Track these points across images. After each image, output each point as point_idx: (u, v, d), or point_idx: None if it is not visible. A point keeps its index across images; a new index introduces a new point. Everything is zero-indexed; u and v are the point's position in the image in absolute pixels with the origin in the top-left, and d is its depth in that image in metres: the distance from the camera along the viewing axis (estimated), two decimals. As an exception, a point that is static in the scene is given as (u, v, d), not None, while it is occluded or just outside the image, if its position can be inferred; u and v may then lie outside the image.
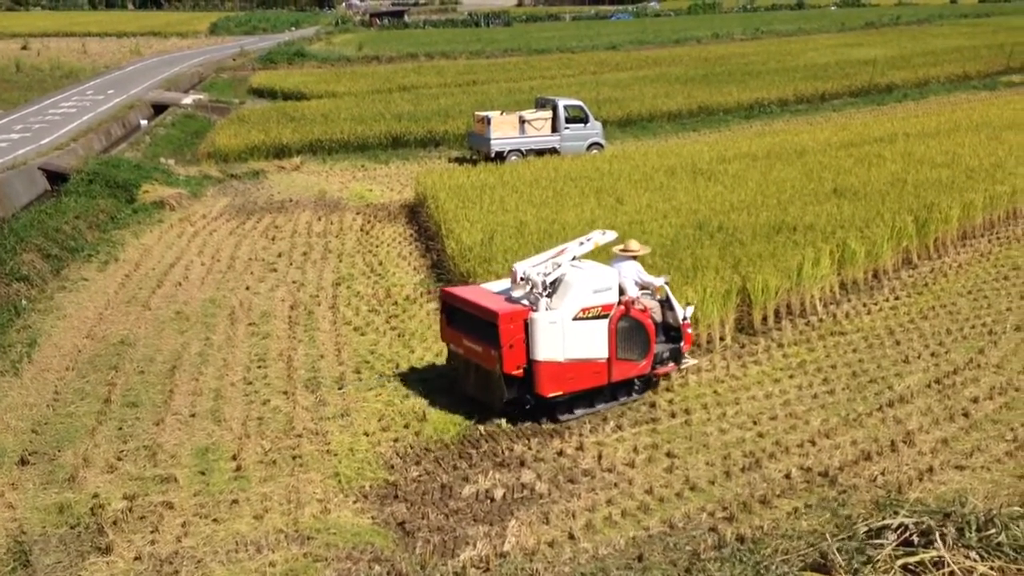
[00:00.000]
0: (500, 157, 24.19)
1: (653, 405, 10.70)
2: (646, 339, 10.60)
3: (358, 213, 20.31)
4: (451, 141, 28.17)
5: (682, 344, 11.12)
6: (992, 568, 3.07)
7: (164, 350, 12.59)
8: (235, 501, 8.62)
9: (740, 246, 14.04)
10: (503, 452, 9.65)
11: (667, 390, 11.09)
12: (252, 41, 66.25)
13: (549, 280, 10.08)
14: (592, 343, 10.18)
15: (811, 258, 13.56)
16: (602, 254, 11.30)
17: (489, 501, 8.70)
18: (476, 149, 25.61)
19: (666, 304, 11.13)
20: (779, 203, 16.67)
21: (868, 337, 12.66)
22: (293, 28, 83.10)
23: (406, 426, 10.22)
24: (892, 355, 12.00)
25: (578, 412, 10.45)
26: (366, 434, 10.01)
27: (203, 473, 9.20)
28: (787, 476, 8.98)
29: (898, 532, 3.32)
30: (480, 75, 42.57)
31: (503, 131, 24.62)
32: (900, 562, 3.06)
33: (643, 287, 11.00)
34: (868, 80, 38.62)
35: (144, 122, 31.98)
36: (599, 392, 10.54)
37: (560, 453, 9.63)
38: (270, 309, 14.17)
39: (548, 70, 44.40)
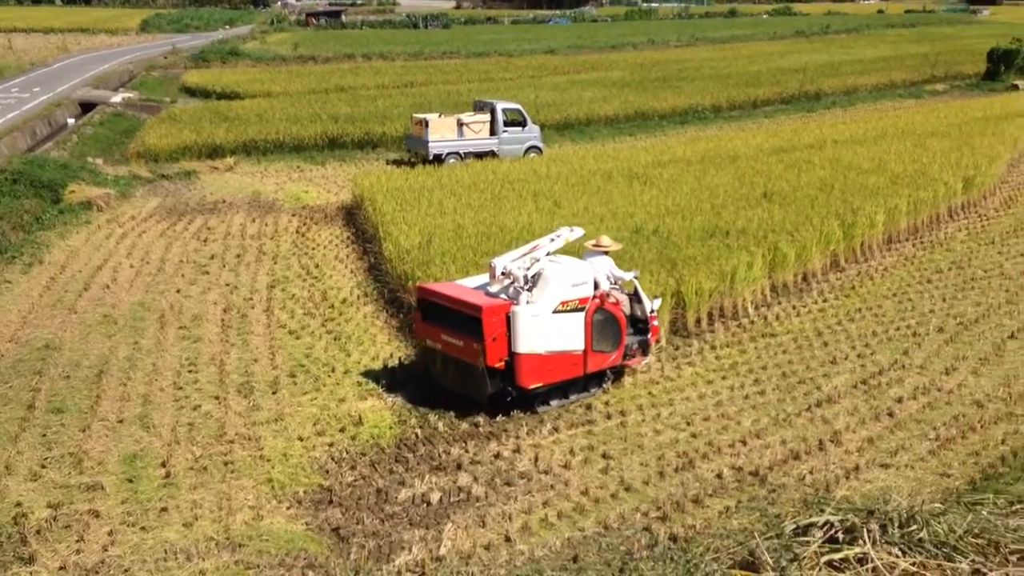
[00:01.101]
0: (438, 160, 24.13)
1: (589, 407, 10.78)
2: (618, 331, 10.95)
3: (294, 215, 20.06)
4: (389, 143, 27.99)
5: (650, 336, 11.51)
6: (913, 564, 3.17)
7: (91, 355, 12.25)
8: (164, 509, 8.43)
9: (675, 249, 14.24)
10: (440, 455, 9.62)
11: (603, 391, 11.18)
12: (184, 39, 64.90)
13: (530, 274, 10.33)
14: (570, 335, 10.45)
15: (744, 261, 13.82)
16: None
17: (425, 505, 8.67)
18: (414, 151, 25.51)
19: (634, 297, 11.46)
20: (713, 207, 16.95)
21: (797, 339, 12.95)
22: (227, 26, 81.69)
23: (342, 430, 10.12)
24: (820, 356, 12.30)
25: (553, 403, 10.73)
26: (300, 439, 9.89)
27: (131, 480, 8.98)
28: (719, 476, 9.14)
29: (824, 530, 3.40)
30: (418, 77, 42.41)
31: (441, 133, 24.57)
32: (825, 559, 3.14)
33: (614, 281, 11.26)
34: (798, 87, 39.55)
35: (71, 121, 31.10)
36: (573, 383, 10.82)
37: (497, 456, 9.64)
38: (202, 312, 13.90)
39: (487, 73, 44.45)
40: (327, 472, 9.26)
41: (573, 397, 10.90)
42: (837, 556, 3.14)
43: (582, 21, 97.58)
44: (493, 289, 10.53)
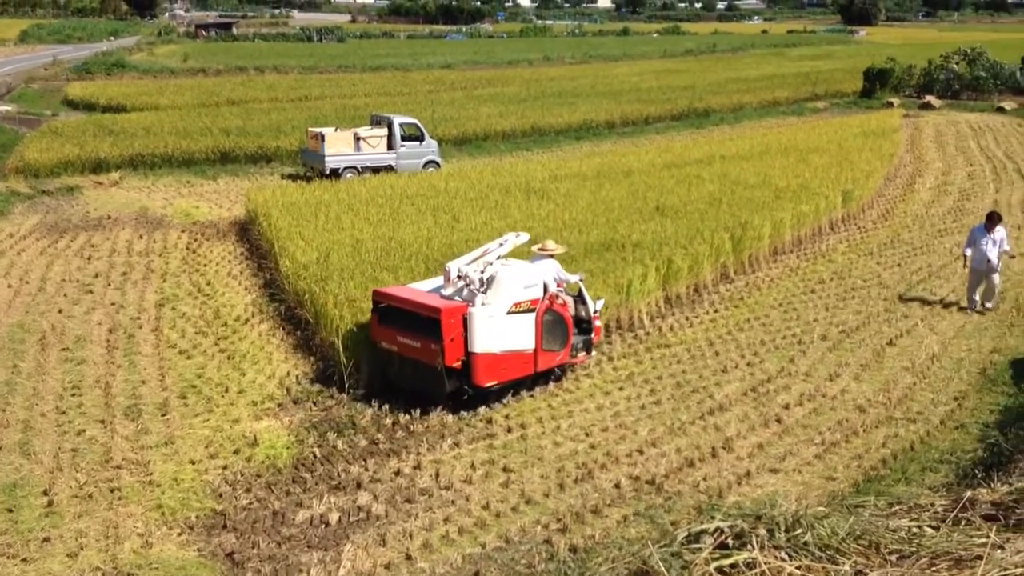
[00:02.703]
0: (335, 174, 23.85)
1: (490, 421, 10.80)
2: (565, 331, 11.46)
3: (184, 231, 19.48)
4: (283, 157, 27.51)
5: (593, 335, 12.07)
6: (799, 567, 3.28)
7: (-36, 380, 11.60)
8: (47, 539, 8.04)
9: (572, 263, 14.42)
10: (339, 474, 9.48)
11: (504, 405, 11.23)
12: (66, 50, 62.37)
13: (485, 277, 10.72)
14: (522, 335, 10.93)
15: (639, 274, 14.11)
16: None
17: (324, 526, 8.52)
18: (310, 166, 25.15)
19: (579, 299, 12.00)
20: (608, 221, 17.26)
21: (691, 349, 13.29)
22: (112, 38, 78.94)
23: (236, 452, 9.86)
24: (712, 365, 12.65)
25: (504, 400, 11.20)
26: (192, 462, 9.58)
27: (10, 510, 8.53)
28: (617, 485, 9.28)
29: (715, 536, 3.49)
30: (313, 90, 41.87)
31: (338, 148, 24.30)
32: (715, 565, 3.22)
33: (559, 283, 11.66)
34: (688, 105, 40.71)
35: (-59, 132, 29.45)
36: (522, 382, 11.32)
37: (397, 473, 9.56)
38: (86, 333, 13.33)
39: (383, 87, 44.26)
40: (220, 496, 9.00)
41: (524, 395, 11.39)
42: (727, 562, 3.23)
43: (478, 37, 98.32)
44: (447, 292, 10.93)
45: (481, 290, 10.68)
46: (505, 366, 10.85)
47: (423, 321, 10.62)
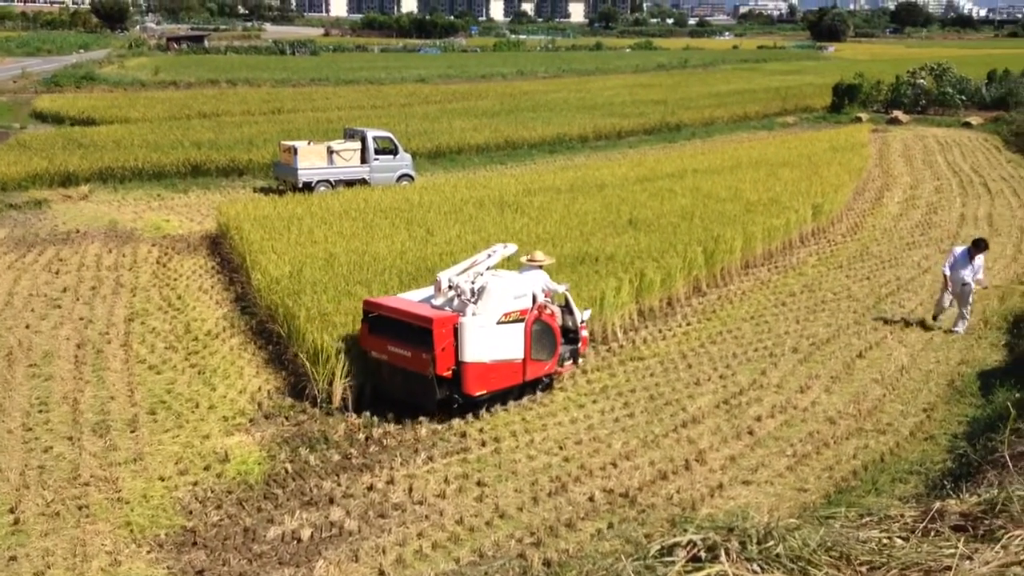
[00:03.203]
0: (308, 188, 23.76)
1: (464, 435, 10.77)
2: (553, 341, 11.65)
3: (154, 245, 19.30)
4: (256, 170, 27.36)
5: (579, 345, 12.28)
6: (770, 579, 3.29)
7: (-72, 396, 11.39)
8: (13, 558, 7.90)
9: (547, 275, 14.43)
10: (311, 490, 9.40)
11: (478, 419, 11.20)
12: (35, 63, 61.78)
13: (476, 287, 10.91)
14: (512, 345, 11.08)
15: (612, 287, 14.16)
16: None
17: (296, 542, 8.43)
18: (283, 179, 25.03)
19: (566, 308, 12.21)
20: (582, 235, 17.32)
21: (664, 361, 13.35)
22: (81, 50, 78.28)
23: (206, 468, 9.75)
24: (685, 378, 12.71)
25: (521, 401, 11.44)
26: (161, 479, 9.46)
27: (-26, 531, 8.38)
28: (591, 499, 9.28)
29: (687, 549, 3.49)
30: (286, 103, 41.76)
31: (311, 161, 24.22)
32: (687, 578, 3.23)
33: (547, 293, 11.84)
34: (660, 119, 41.05)
35: (-94, 145, 29.02)
36: (511, 391, 11.46)
37: (370, 488, 9.49)
38: (53, 349, 13.15)
39: (357, 101, 44.22)
40: (191, 513, 8.89)
41: (512, 403, 11.50)
42: (699, 575, 3.24)
43: (452, 51, 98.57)
44: (437, 302, 11.10)
45: (472, 300, 10.85)
46: (495, 375, 11.02)
47: (414, 331, 10.77)
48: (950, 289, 14.97)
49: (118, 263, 17.86)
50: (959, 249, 15.32)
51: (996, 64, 60.48)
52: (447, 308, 11.02)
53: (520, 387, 11.53)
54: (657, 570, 3.33)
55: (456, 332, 10.67)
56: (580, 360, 12.49)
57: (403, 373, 11.06)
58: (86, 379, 12.09)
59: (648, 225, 18.15)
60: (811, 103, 50.05)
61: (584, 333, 12.50)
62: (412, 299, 11.54)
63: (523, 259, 12.44)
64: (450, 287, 10.98)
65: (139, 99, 41.95)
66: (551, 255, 13.13)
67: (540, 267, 12.10)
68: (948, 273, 15.00)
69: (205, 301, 15.64)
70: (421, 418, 11.09)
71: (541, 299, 11.53)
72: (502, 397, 11.42)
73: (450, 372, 10.74)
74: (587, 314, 12.56)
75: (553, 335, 11.63)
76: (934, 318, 15.22)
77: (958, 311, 14.96)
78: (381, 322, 11.24)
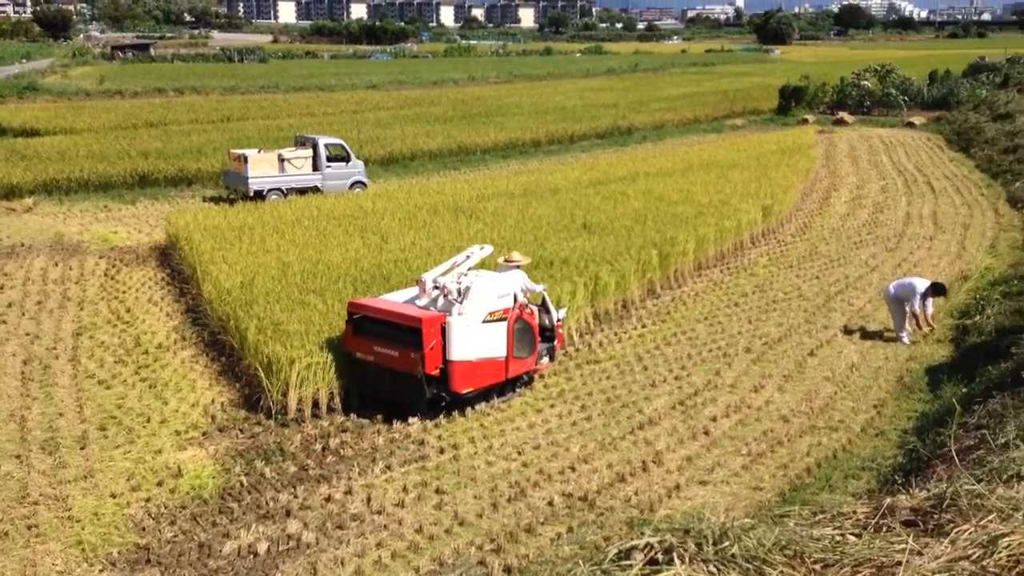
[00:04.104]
0: (259, 196, 23.50)
1: (422, 443, 10.72)
2: (533, 339, 11.99)
3: (101, 257, 18.93)
4: (205, 180, 27.00)
5: (555, 343, 12.65)
6: (726, 580, 3.32)
7: None
8: (-42, 583, 7.69)
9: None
10: (267, 503, 9.28)
11: (436, 426, 11.17)
12: (-26, 72, 60.28)
13: (462, 287, 11.17)
14: (495, 343, 11.38)
15: (568, 291, 14.21)
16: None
17: (252, 556, 8.32)
18: (233, 188, 24.72)
19: (542, 308, 12.51)
20: (536, 239, 17.37)
21: (620, 364, 13.42)
22: (23, 60, 76.52)
23: (159, 484, 9.58)
24: (641, 380, 12.80)
25: (478, 407, 11.57)
26: (113, 496, 9.27)
27: (-82, 555, 8.13)
28: (550, 503, 9.29)
29: (645, 552, 3.52)
30: (235, 112, 41.24)
31: (261, 169, 23.96)
32: (645, 581, 3.25)
33: (525, 293, 12.09)
34: (612, 123, 41.34)
35: None
36: (492, 388, 11.73)
37: (328, 499, 9.41)
38: (-1, 365, 12.84)
39: (307, 108, 43.84)
40: (144, 529, 8.72)
41: (494, 400, 11.78)
42: (657, 578, 3.27)
43: (403, 57, 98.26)
44: (421, 303, 11.37)
45: (459, 300, 11.12)
46: (480, 373, 11.31)
47: (402, 331, 11.00)
48: (890, 308, 14.83)
49: (65, 276, 17.49)
50: (923, 290, 14.52)
51: (937, 64, 61.97)
52: (432, 308, 11.27)
53: (501, 385, 11.80)
54: (615, 574, 3.34)
55: (443, 331, 10.92)
56: (555, 358, 12.82)
57: (391, 373, 11.20)
58: (33, 396, 11.81)
59: (602, 228, 18.26)
60: (759, 106, 50.76)
61: (560, 331, 12.91)
62: (396, 300, 11.79)
63: (500, 260, 12.71)
64: (435, 287, 11.25)
65: (84, 109, 41.13)
66: (527, 256, 13.43)
67: (518, 267, 12.36)
68: (892, 294, 14.71)
69: (155, 313, 15.38)
70: (379, 427, 11.04)
71: (521, 298, 11.84)
72: (485, 395, 11.68)
73: (438, 371, 10.98)
74: (563, 312, 12.97)
75: (533, 333, 11.97)
76: (906, 341, 14.54)
77: (896, 322, 14.74)
78: (365, 323, 11.40)
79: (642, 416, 11.52)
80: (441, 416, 11.29)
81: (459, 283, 11.26)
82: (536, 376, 12.85)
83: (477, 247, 12.43)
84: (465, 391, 11.26)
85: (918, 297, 14.44)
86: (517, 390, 12.19)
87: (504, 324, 11.44)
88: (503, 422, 11.37)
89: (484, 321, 11.23)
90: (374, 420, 11.27)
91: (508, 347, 11.50)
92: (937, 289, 14.79)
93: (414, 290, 11.80)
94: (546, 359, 12.53)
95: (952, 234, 22.09)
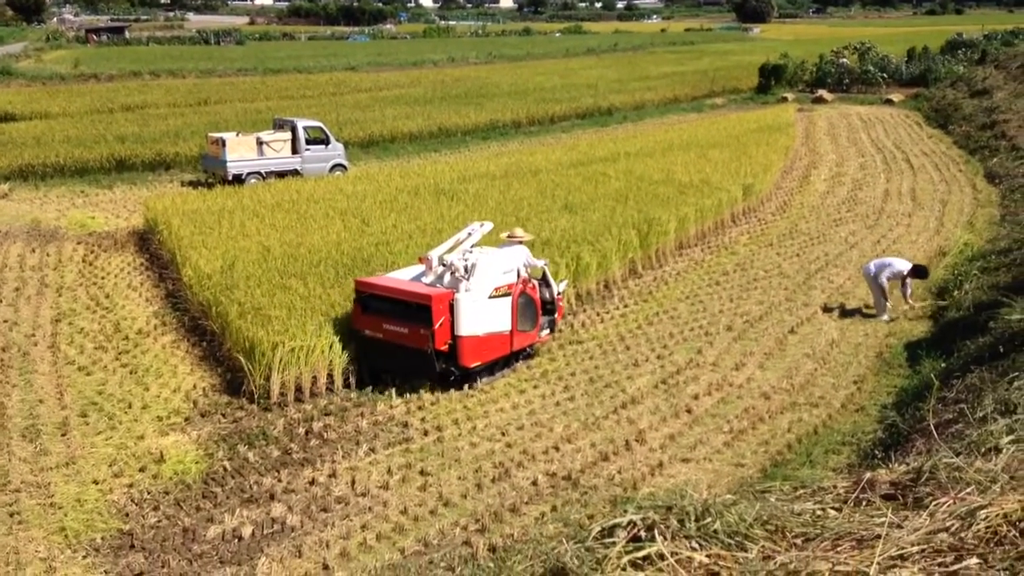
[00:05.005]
0: (238, 180, 23.31)
1: (406, 425, 10.73)
2: (535, 312, 12.34)
3: (79, 243, 18.75)
4: (183, 164, 26.74)
5: (556, 316, 13.03)
6: (709, 556, 3.35)
7: None
8: (-60, 573, 7.65)
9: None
10: (251, 487, 9.28)
11: (419, 408, 11.18)
12: (-55, 56, 59.25)
13: (468, 264, 11.43)
14: (501, 318, 11.70)
15: (550, 272, 14.19)
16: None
17: (237, 540, 8.32)
18: (211, 172, 24.50)
19: (543, 282, 12.83)
20: (518, 220, 17.29)
21: (602, 344, 13.47)
22: (-5, 43, 75.31)
23: (142, 470, 9.55)
24: (624, 360, 12.85)
25: (484, 380, 11.87)
26: (95, 482, 9.24)
27: (-102, 545, 8.07)
28: (534, 483, 9.34)
29: (628, 529, 3.54)
30: (212, 95, 40.78)
31: (240, 153, 23.76)
32: (628, 558, 3.27)
33: (527, 268, 12.38)
34: (592, 103, 41.23)
35: None
36: (498, 361, 12.04)
37: (312, 482, 9.41)
38: (-23, 353, 12.71)
39: (285, 90, 43.43)
40: (127, 515, 8.70)
41: (497, 373, 12.11)
42: (639, 555, 3.29)
43: (381, 38, 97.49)
44: (427, 280, 11.66)
45: (465, 277, 11.37)
46: (487, 347, 11.63)
47: (411, 308, 11.25)
48: (870, 286, 14.93)
49: (42, 263, 17.32)
50: (905, 273, 14.74)
51: (915, 42, 62.04)
52: (438, 285, 11.54)
53: (506, 358, 12.09)
54: (598, 552, 3.36)
55: (452, 308, 11.21)
56: (556, 330, 13.22)
57: (400, 349, 11.40)
58: (13, 383, 11.73)
59: (583, 209, 18.26)
60: (739, 84, 50.73)
61: (561, 304, 13.30)
62: (402, 278, 11.99)
63: (503, 236, 13.03)
64: (442, 265, 11.52)
65: (59, 93, 40.56)
66: (528, 232, 13.74)
67: (520, 243, 12.65)
68: (872, 273, 14.78)
69: (135, 299, 15.27)
70: (362, 409, 11.04)
71: (524, 273, 12.14)
72: (490, 368, 11.95)
73: (447, 346, 11.27)
74: (563, 285, 13.41)
75: (535, 307, 12.31)
76: (887, 319, 14.64)
77: (877, 300, 14.87)
78: (373, 301, 11.61)
79: (625, 395, 11.58)
80: (423, 396, 11.30)
81: (465, 260, 11.52)
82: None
83: (477, 224, 12.70)
84: (473, 365, 11.54)
85: (887, 273, 14.54)
86: (520, 362, 12.51)
87: (509, 299, 11.75)
88: (487, 403, 11.40)
89: (490, 297, 11.51)
90: (375, 394, 11.47)
91: (513, 321, 11.82)
92: (919, 272, 14.94)
93: (417, 268, 12.08)
94: (546, 331, 12.85)
95: (931, 210, 22.24)
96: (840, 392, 11.82)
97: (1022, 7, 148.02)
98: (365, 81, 48.73)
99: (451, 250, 11.85)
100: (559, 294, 13.11)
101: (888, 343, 13.59)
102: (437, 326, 11.06)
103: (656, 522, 3.51)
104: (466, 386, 11.73)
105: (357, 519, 8.68)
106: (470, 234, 12.30)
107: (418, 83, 48.25)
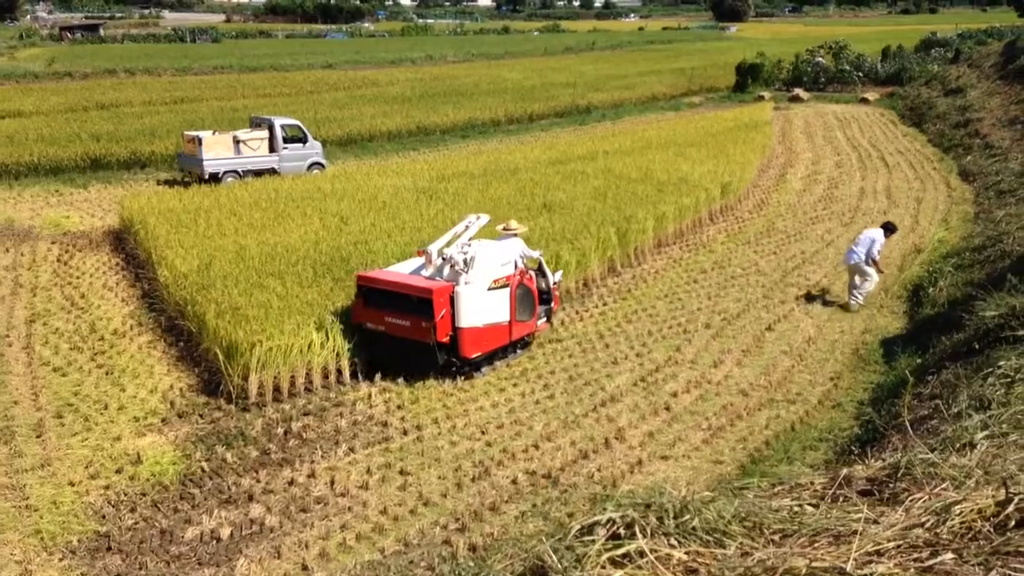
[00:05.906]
0: (215, 179, 23.16)
1: (385, 424, 10.71)
2: (533, 303, 12.62)
3: (54, 242, 18.56)
4: (159, 162, 26.54)
5: (552, 305, 13.32)
6: (687, 552, 3.36)
7: None
8: (-88, 577, 7.55)
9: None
10: (229, 488, 9.22)
11: (399, 408, 11.15)
12: (-84, 53, 58.47)
13: (468, 257, 11.59)
14: (500, 309, 11.95)
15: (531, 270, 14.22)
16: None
17: (215, 542, 8.27)
18: (188, 171, 24.31)
19: (539, 272, 13.15)
20: (497, 219, 17.26)
21: (582, 342, 13.50)
22: (-33, 41, 74.29)
23: (118, 471, 9.47)
24: (603, 357, 12.88)
25: (484, 369, 12.13)
26: (71, 484, 9.15)
27: None
28: (514, 481, 9.35)
29: (607, 527, 3.54)
30: (188, 93, 40.47)
31: (217, 151, 23.60)
32: (607, 556, 3.27)
33: (523, 259, 12.64)
34: (570, 102, 41.30)
35: None
36: (498, 351, 12.32)
37: (291, 483, 9.36)
38: (-51, 354, 12.55)
39: (262, 88, 43.17)
40: (104, 517, 8.62)
41: (497, 363, 12.37)
42: (618, 552, 3.29)
43: (359, 36, 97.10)
44: (427, 273, 11.85)
45: (465, 269, 11.55)
46: (487, 338, 11.87)
47: (413, 301, 11.45)
48: (856, 271, 15.16)
49: (16, 263, 17.13)
50: (870, 234, 15.27)
51: (890, 40, 62.62)
52: (438, 278, 11.72)
53: (505, 347, 12.33)
54: (578, 549, 3.37)
55: (452, 300, 11.42)
56: (552, 318, 13.51)
57: (402, 342, 11.61)
58: (-14, 385, 11.59)
59: (562, 207, 18.27)
60: (716, 83, 50.99)
61: (557, 294, 13.58)
62: (402, 271, 12.17)
63: (498, 228, 13.34)
64: (442, 258, 11.72)
65: (32, 91, 40.10)
66: (523, 223, 14.00)
67: (515, 235, 12.90)
68: (859, 258, 15.05)
69: (110, 299, 15.14)
70: (342, 409, 11.00)
71: (521, 265, 12.38)
72: (490, 358, 12.21)
73: (448, 338, 11.50)
74: (559, 275, 13.72)
75: (533, 297, 12.58)
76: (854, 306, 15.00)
77: (862, 283, 15.19)
78: (375, 295, 11.77)
79: (604, 393, 11.61)
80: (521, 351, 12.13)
81: (464, 253, 11.68)
82: (498, 356, 12.88)
83: (474, 216, 12.86)
84: (474, 356, 11.76)
85: (879, 243, 15.19)
86: (519, 351, 12.76)
87: (507, 290, 11.98)
88: (466, 402, 11.39)
89: (489, 288, 11.72)
90: (355, 392, 11.33)
91: (511, 312, 12.06)
92: (890, 228, 15.85)
93: (417, 261, 12.28)
94: (543, 320, 13.09)
95: (905, 208, 22.45)
96: (817, 389, 11.92)
97: (995, 6, 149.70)
98: (343, 79, 48.52)
99: (449, 244, 12.03)
100: (555, 284, 13.39)
101: (864, 340, 13.71)
102: (438, 318, 11.28)
103: (635, 519, 3.52)
104: (463, 378, 11.93)
105: (336, 519, 8.65)
106: (468, 227, 12.49)
107: (396, 81, 48.12)
